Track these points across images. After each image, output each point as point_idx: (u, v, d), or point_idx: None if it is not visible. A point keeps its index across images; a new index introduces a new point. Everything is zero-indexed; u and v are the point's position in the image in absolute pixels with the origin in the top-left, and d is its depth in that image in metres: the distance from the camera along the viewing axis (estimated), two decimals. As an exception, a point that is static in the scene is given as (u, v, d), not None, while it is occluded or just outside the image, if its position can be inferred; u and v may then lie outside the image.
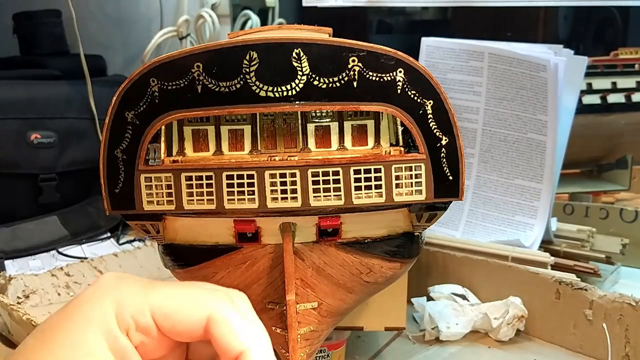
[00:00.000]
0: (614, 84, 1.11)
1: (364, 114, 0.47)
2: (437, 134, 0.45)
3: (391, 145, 0.47)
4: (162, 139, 0.45)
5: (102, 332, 0.30)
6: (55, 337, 0.30)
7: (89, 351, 0.29)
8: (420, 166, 0.45)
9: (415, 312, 0.73)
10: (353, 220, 0.46)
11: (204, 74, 0.43)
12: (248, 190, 0.44)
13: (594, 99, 1.10)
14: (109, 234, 1.04)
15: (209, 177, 0.44)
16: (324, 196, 0.44)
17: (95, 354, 0.29)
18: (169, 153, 0.46)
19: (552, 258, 0.76)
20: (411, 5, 1.27)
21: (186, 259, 0.49)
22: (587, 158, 1.12)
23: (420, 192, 0.45)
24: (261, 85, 0.43)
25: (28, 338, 0.31)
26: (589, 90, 1.10)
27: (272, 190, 0.44)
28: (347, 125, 0.47)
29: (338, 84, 0.43)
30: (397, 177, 0.45)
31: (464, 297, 0.73)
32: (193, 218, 0.46)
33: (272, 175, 0.44)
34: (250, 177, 0.44)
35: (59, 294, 0.80)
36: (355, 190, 0.44)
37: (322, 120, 0.47)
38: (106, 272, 0.33)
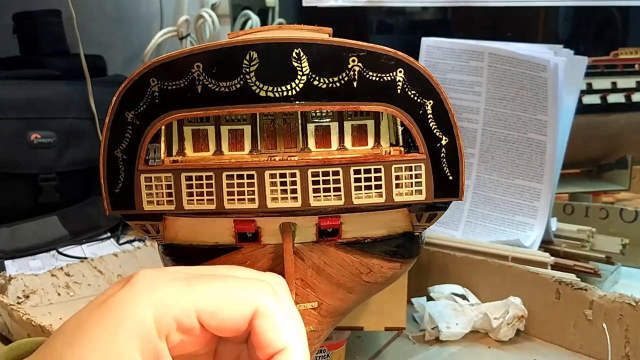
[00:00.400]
0: (614, 84, 1.11)
1: (364, 114, 0.47)
2: (437, 134, 0.45)
3: (391, 145, 0.47)
4: (162, 139, 0.45)
5: (136, 338, 0.28)
6: (84, 341, 0.28)
7: (120, 357, 0.28)
8: (420, 166, 0.45)
9: (415, 312, 0.73)
10: (353, 220, 0.46)
11: (204, 74, 0.43)
12: (248, 190, 0.44)
13: (594, 99, 1.10)
14: (109, 234, 1.04)
15: (209, 177, 0.44)
16: (324, 196, 0.44)
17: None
18: (169, 153, 0.46)
19: (552, 258, 0.76)
20: (411, 5, 1.27)
21: (186, 259, 0.49)
22: (587, 158, 1.12)
23: (420, 192, 0.45)
24: (261, 85, 0.43)
25: (54, 338, 0.30)
26: (589, 90, 1.10)
27: (272, 190, 0.44)
28: (347, 125, 0.47)
29: (338, 84, 0.43)
30: (397, 177, 0.45)
31: (464, 297, 0.73)
32: (193, 218, 0.46)
33: (272, 175, 0.44)
34: (250, 177, 0.44)
35: (59, 294, 0.80)
36: (355, 190, 0.44)
37: (322, 120, 0.47)
38: (140, 270, 0.31)
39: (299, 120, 0.46)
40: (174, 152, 0.46)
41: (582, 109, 0.99)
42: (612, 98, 1.11)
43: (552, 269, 0.75)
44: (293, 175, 0.44)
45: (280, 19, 1.37)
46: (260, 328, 0.30)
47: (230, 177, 0.44)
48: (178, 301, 0.30)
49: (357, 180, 0.44)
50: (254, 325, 0.30)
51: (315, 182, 0.44)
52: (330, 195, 0.44)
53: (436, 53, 0.90)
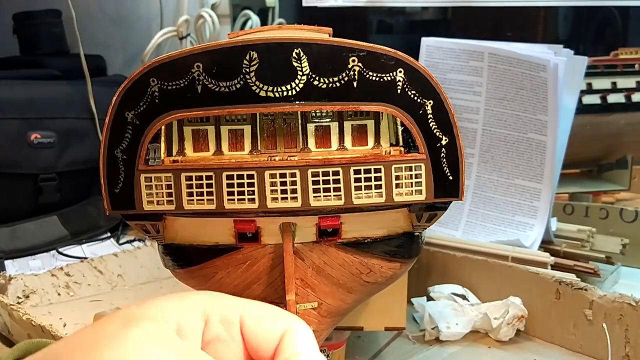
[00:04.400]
0: (614, 84, 1.11)
1: (364, 114, 0.47)
2: (437, 134, 0.45)
3: (391, 145, 0.47)
4: (162, 139, 0.45)
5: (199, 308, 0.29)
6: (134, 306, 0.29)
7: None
8: (420, 166, 0.45)
9: (415, 312, 0.73)
10: (353, 220, 0.46)
11: (204, 74, 0.43)
12: (248, 190, 0.44)
13: (594, 99, 1.10)
14: (109, 234, 1.04)
15: (209, 177, 0.44)
16: (324, 196, 0.44)
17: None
18: (169, 153, 0.46)
19: (552, 258, 0.76)
20: (411, 5, 1.27)
21: (186, 259, 0.49)
22: (587, 158, 1.12)
23: (420, 192, 0.45)
24: (261, 85, 0.43)
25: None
26: (589, 90, 1.10)
27: (272, 190, 0.44)
28: (347, 125, 0.47)
29: (338, 84, 0.43)
30: (397, 177, 0.45)
31: (464, 297, 0.73)
32: (193, 218, 0.46)
33: (272, 175, 0.44)
34: (250, 177, 0.44)
35: (59, 294, 0.80)
36: (355, 190, 0.44)
37: (322, 120, 0.47)
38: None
39: (299, 120, 0.46)
40: (174, 152, 0.46)
41: (582, 109, 0.99)
42: (612, 98, 1.10)
43: (552, 269, 0.75)
44: (293, 175, 0.44)
45: (280, 19, 1.37)
46: (287, 341, 0.30)
47: (230, 177, 0.44)
48: (228, 301, 0.30)
49: (357, 180, 0.44)
50: (284, 341, 0.30)
51: (315, 182, 0.44)
52: (330, 195, 0.44)
53: (436, 53, 0.90)
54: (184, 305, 0.29)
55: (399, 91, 0.44)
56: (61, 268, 0.82)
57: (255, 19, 1.32)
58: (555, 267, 0.76)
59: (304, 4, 1.19)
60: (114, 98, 0.44)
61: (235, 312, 0.30)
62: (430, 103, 0.45)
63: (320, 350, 0.59)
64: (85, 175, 1.08)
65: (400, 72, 0.44)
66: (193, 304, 0.30)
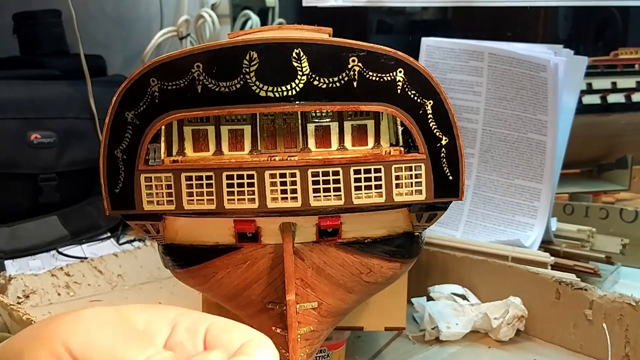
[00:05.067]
0: (614, 84, 1.11)
1: (364, 114, 0.47)
2: (437, 134, 0.45)
3: (391, 145, 0.47)
4: (162, 139, 0.45)
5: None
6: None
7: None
8: (420, 166, 0.45)
9: (415, 312, 0.73)
10: (353, 220, 0.46)
11: (204, 74, 0.43)
12: (248, 190, 0.44)
13: (594, 99, 1.10)
14: (109, 234, 1.04)
15: (209, 177, 0.44)
16: (324, 196, 0.44)
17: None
18: (169, 153, 0.46)
19: (552, 258, 0.76)
20: (411, 5, 1.27)
21: (186, 259, 0.49)
22: (587, 158, 1.12)
23: (420, 192, 0.45)
24: (261, 85, 0.43)
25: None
26: (589, 90, 1.10)
27: (272, 190, 0.44)
28: (347, 125, 0.47)
29: (338, 84, 0.43)
30: (397, 177, 0.45)
31: (464, 297, 0.73)
32: (193, 218, 0.46)
33: (272, 175, 0.44)
34: (250, 177, 0.44)
35: (59, 294, 0.80)
36: (355, 190, 0.44)
37: (322, 120, 0.47)
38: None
39: (299, 120, 0.46)
40: (174, 152, 0.46)
41: (582, 109, 0.99)
42: (612, 98, 1.10)
43: (552, 269, 0.75)
44: (293, 175, 0.44)
45: (280, 19, 1.37)
46: (244, 347, 0.30)
47: (230, 177, 0.44)
48: (199, 314, 0.31)
49: (357, 180, 0.44)
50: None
51: (315, 182, 0.44)
52: (330, 195, 0.44)
53: (436, 53, 0.90)
54: (155, 313, 0.31)
55: (399, 91, 0.44)
56: (61, 268, 0.82)
57: (255, 19, 1.32)
58: (555, 267, 0.76)
59: (304, 4, 1.19)
60: (114, 98, 0.44)
61: (204, 323, 0.30)
62: (430, 103, 0.45)
63: (320, 350, 0.59)
64: (85, 175, 1.08)
65: (400, 72, 0.44)
66: (164, 313, 0.31)
